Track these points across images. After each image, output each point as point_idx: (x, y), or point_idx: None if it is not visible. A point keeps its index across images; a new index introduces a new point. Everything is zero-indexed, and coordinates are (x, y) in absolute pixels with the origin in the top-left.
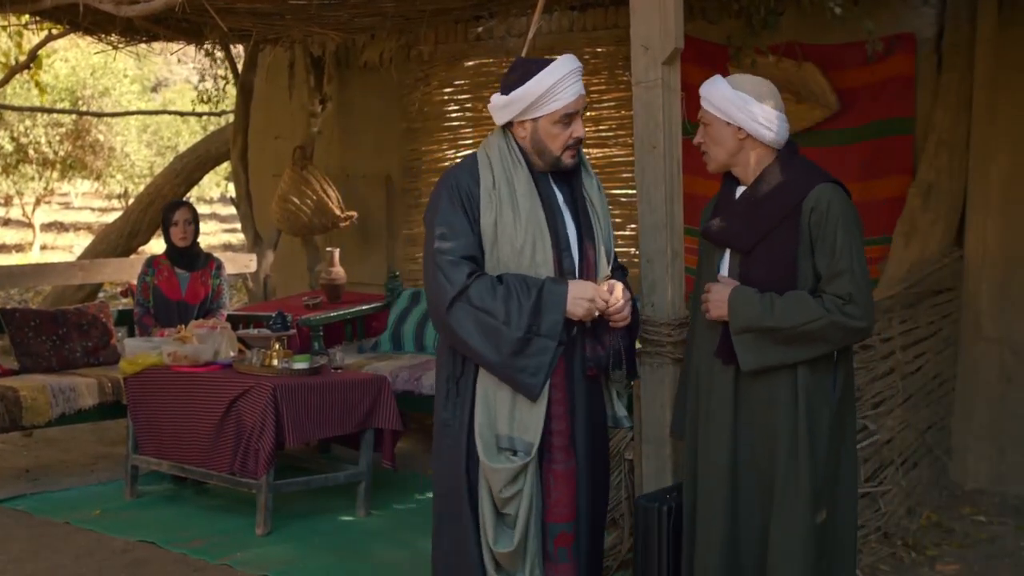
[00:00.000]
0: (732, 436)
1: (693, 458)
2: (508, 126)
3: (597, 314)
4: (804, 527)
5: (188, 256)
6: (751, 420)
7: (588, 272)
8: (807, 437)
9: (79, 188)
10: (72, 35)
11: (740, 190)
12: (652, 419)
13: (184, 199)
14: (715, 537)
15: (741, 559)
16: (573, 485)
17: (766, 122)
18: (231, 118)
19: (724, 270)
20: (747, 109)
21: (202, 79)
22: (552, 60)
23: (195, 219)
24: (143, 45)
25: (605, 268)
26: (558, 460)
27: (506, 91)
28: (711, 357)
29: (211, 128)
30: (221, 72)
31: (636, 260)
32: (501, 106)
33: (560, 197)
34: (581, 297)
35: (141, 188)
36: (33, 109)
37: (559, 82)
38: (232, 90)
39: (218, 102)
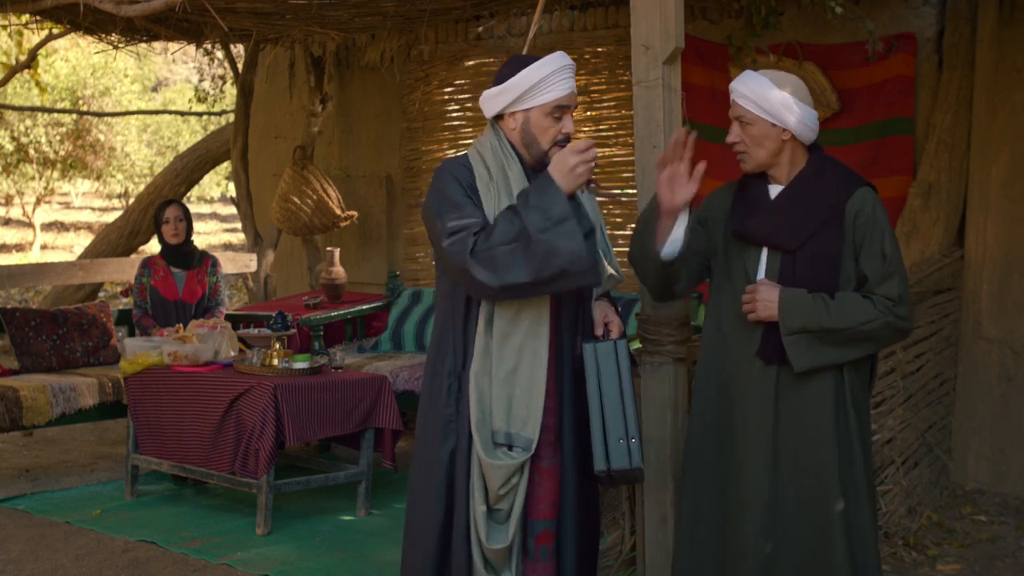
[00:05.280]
0: (772, 437)
1: (708, 456)
2: (498, 120)
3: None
4: (868, 520)
5: (183, 255)
6: (795, 421)
7: None
8: (858, 434)
9: (79, 188)
10: (72, 35)
11: (774, 189)
12: (652, 418)
13: (178, 198)
14: (750, 535)
15: (779, 564)
16: (557, 482)
17: (810, 123)
18: (231, 118)
19: (761, 270)
20: (795, 110)
21: (201, 79)
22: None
23: (186, 216)
24: (143, 45)
25: (603, 264)
26: (544, 456)
27: (499, 82)
28: (748, 358)
29: (211, 128)
30: (219, 72)
31: None
32: (494, 95)
33: None
34: (563, 167)
35: (141, 188)
36: (34, 109)
37: (553, 74)
38: (231, 90)
39: (215, 102)
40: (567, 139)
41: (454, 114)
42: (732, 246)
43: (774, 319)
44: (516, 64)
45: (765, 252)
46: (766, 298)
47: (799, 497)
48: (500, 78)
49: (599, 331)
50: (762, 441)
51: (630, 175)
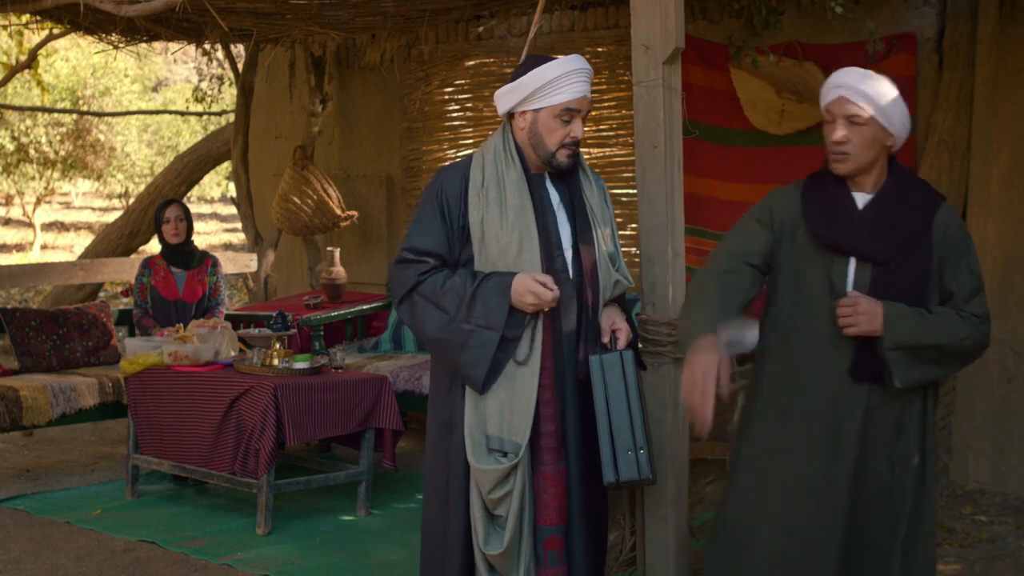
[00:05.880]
0: (857, 460)
1: (774, 475)
2: (510, 119)
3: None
4: (932, 542)
5: (183, 255)
6: (883, 443)
7: (586, 273)
8: (931, 460)
9: (80, 188)
10: (73, 35)
11: (860, 197)
12: (651, 418)
13: (179, 198)
14: (823, 562)
15: None
16: (562, 488)
17: (906, 133)
18: (232, 118)
19: (850, 281)
20: (906, 120)
21: (201, 79)
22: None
23: (187, 216)
24: (143, 45)
25: (609, 272)
26: (547, 462)
27: (514, 80)
28: (835, 375)
29: (212, 128)
30: (218, 72)
31: (637, 260)
32: (505, 92)
33: (556, 198)
34: (524, 291)
35: (142, 188)
36: (34, 109)
37: (565, 76)
38: (229, 90)
39: (212, 102)
40: (576, 143)
41: (454, 114)
42: (808, 254)
43: (875, 334)
44: (531, 63)
45: (853, 263)
46: (870, 311)
47: (874, 521)
48: (514, 76)
49: (605, 339)
50: (847, 463)
51: (630, 175)
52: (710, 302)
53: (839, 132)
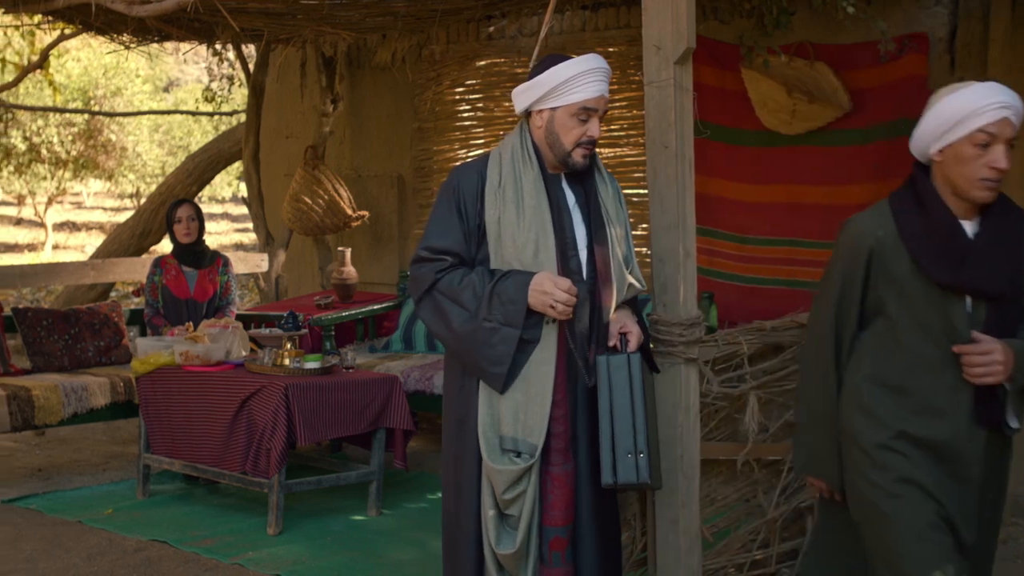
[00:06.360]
0: (979, 509)
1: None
2: (527, 118)
3: (565, 309)
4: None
5: (194, 254)
6: (993, 487)
7: (600, 274)
8: (1006, 490)
9: (91, 188)
10: (84, 35)
11: (968, 226)
12: (662, 419)
13: (190, 198)
14: None
15: None
16: (569, 489)
17: None
18: (243, 118)
19: (968, 321)
20: None
21: (211, 79)
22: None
23: (199, 216)
24: (155, 45)
25: (623, 273)
26: (555, 463)
27: (531, 78)
28: (957, 424)
29: (223, 128)
30: (229, 72)
31: (648, 260)
32: (523, 90)
33: (572, 199)
34: (537, 289)
35: (153, 188)
36: (46, 109)
37: (582, 74)
38: (240, 90)
39: (223, 102)
40: (592, 142)
41: (465, 114)
42: (914, 290)
43: (1004, 382)
44: (549, 61)
45: (969, 300)
46: (1007, 360)
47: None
48: (532, 74)
49: (612, 341)
50: (971, 512)
51: (641, 175)
52: (828, 437)
53: (1004, 159)
